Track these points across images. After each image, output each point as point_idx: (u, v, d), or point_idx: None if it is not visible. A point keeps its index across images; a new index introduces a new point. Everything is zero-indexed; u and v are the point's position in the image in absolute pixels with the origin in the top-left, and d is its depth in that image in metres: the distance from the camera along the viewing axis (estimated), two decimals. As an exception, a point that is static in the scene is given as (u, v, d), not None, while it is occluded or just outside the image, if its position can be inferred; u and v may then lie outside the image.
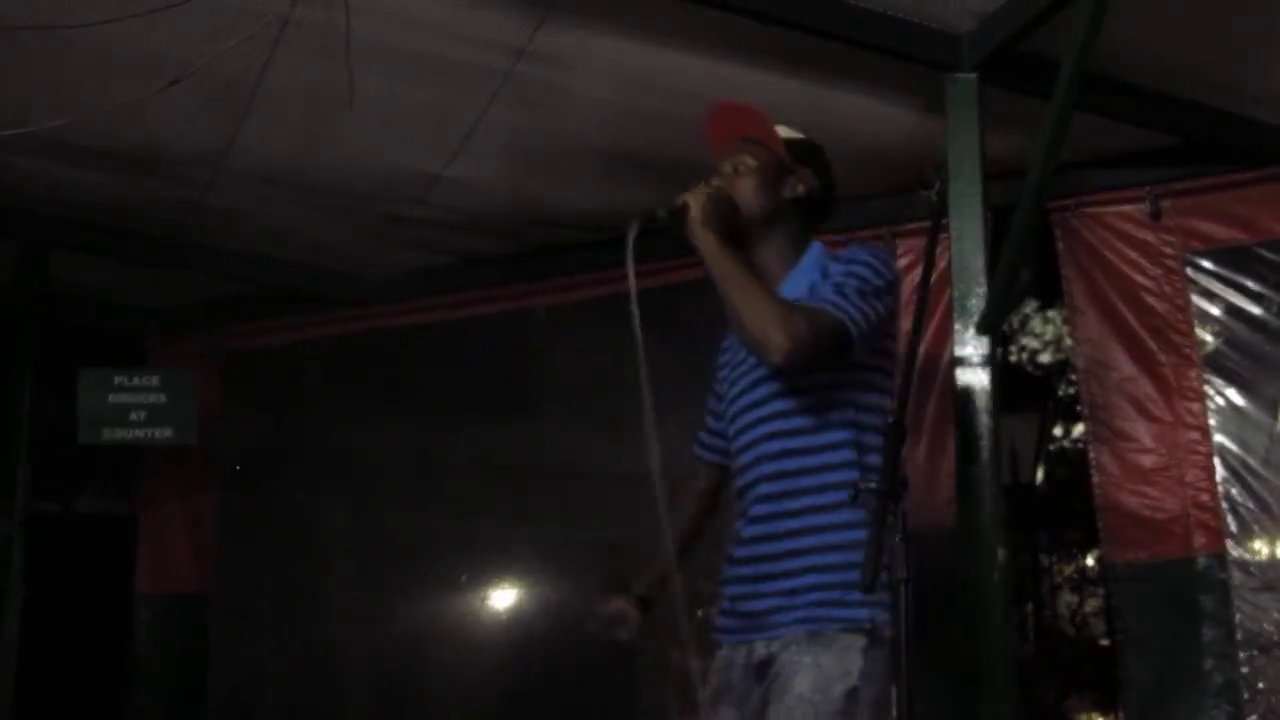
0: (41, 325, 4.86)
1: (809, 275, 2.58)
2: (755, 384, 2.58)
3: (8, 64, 3.52)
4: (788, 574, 2.47)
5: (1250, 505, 3.81)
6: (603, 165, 4.16)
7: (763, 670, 2.49)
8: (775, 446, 2.52)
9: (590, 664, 4.84)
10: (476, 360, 5.05)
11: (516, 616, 5.14)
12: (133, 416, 4.91)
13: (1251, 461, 3.83)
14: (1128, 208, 4.06)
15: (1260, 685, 3.70)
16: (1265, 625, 3.73)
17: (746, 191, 2.61)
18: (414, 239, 4.80)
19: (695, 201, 2.52)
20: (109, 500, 6.11)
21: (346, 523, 5.35)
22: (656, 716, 5.09)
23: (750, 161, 2.63)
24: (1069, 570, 12.68)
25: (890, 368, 2.61)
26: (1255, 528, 3.80)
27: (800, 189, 2.66)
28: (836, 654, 2.38)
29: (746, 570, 2.54)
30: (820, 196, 2.71)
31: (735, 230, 2.56)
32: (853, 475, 2.43)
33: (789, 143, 2.69)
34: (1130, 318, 4.01)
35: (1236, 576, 3.78)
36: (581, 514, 4.87)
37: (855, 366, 2.51)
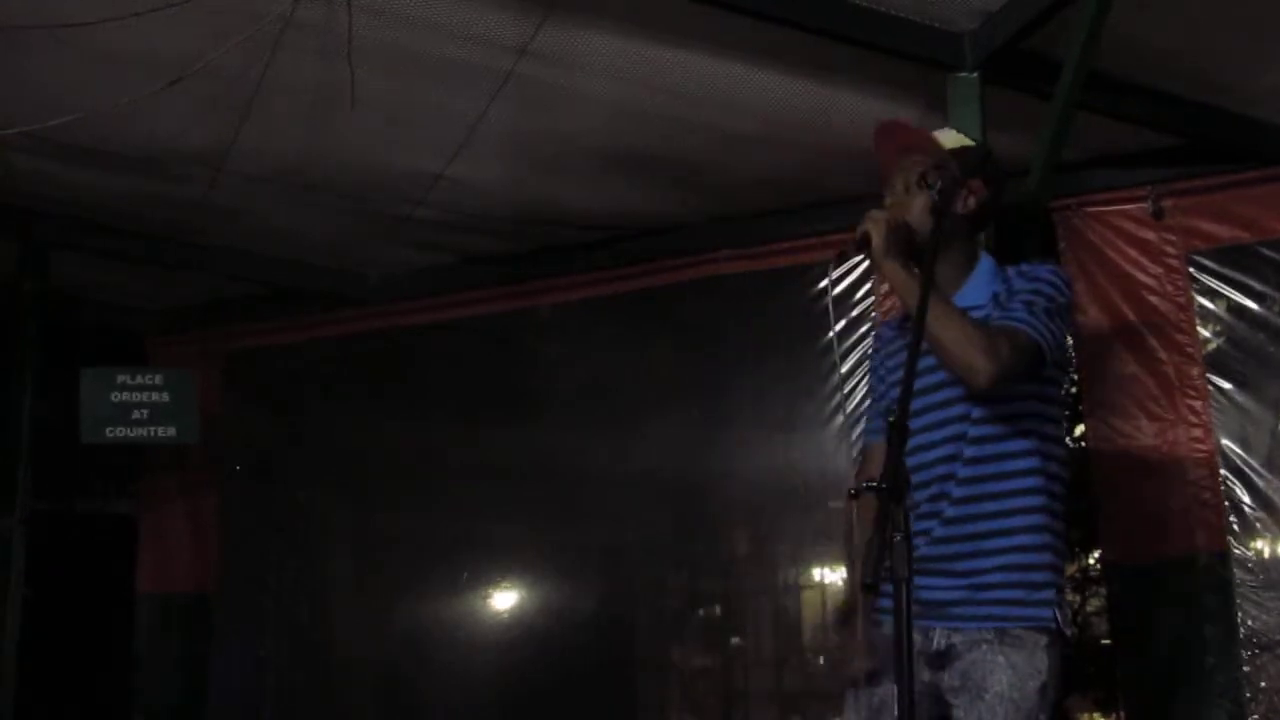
0: (42, 325, 4.86)
1: (988, 285, 2.63)
2: (942, 385, 2.62)
3: (9, 64, 3.52)
4: (974, 571, 2.54)
5: (1252, 504, 3.81)
6: (604, 164, 4.16)
7: (939, 659, 2.54)
8: (969, 452, 2.57)
9: (590, 663, 4.84)
10: (478, 359, 5.06)
11: (517, 616, 5.14)
12: (135, 415, 4.91)
13: (1254, 460, 3.83)
14: (1130, 207, 4.06)
15: (1262, 684, 3.70)
16: (1268, 624, 3.73)
17: (919, 211, 2.61)
18: (415, 238, 4.80)
19: (876, 232, 2.54)
20: (110, 499, 6.10)
21: (347, 522, 5.36)
22: (657, 716, 5.08)
23: (929, 189, 2.63)
24: (1071, 569, 12.66)
25: (1065, 381, 2.75)
26: (1257, 526, 3.80)
27: (971, 203, 2.68)
28: (1027, 653, 2.48)
29: (931, 566, 2.57)
30: (989, 204, 2.73)
31: (915, 250, 2.58)
32: (1038, 482, 2.55)
33: (957, 153, 2.69)
34: (1132, 316, 4.01)
35: (1238, 575, 3.78)
36: (582, 513, 4.87)
37: (1039, 379, 2.59)
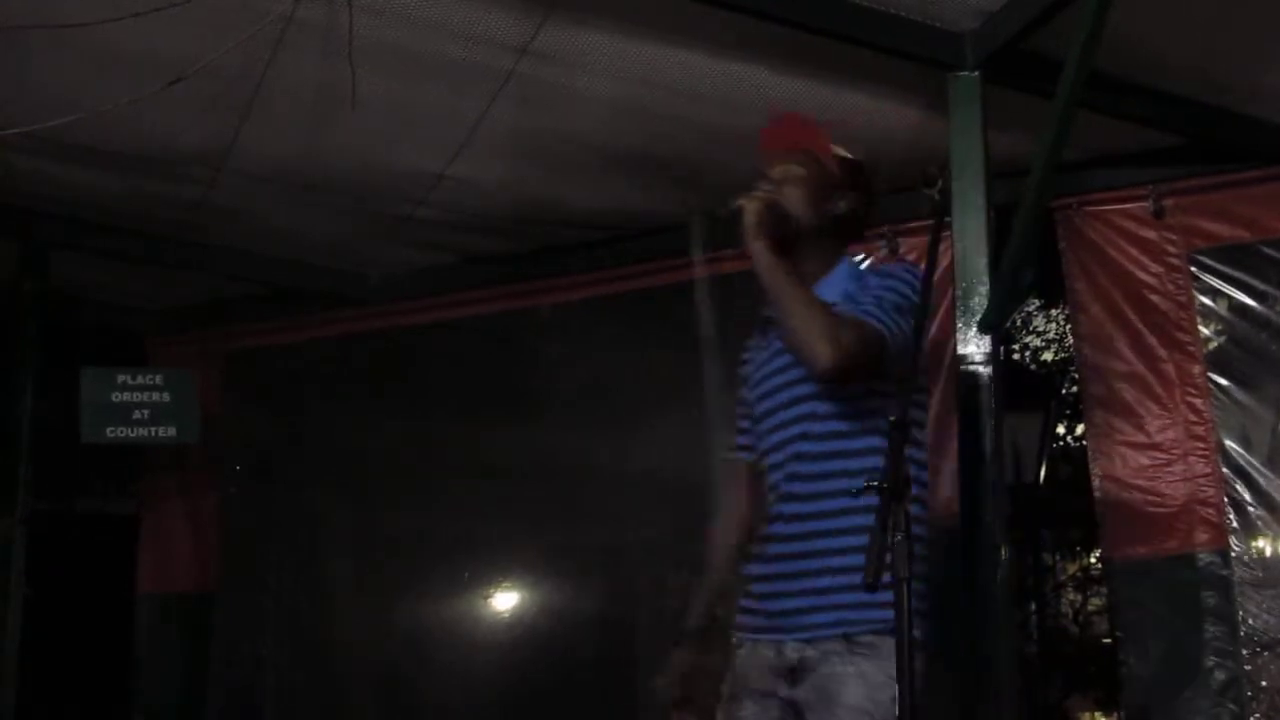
0: (43, 325, 4.86)
1: (841, 284, 2.65)
2: (790, 384, 2.62)
3: (9, 64, 3.52)
4: (817, 573, 2.51)
5: (1253, 502, 3.81)
6: (605, 164, 4.16)
7: (795, 674, 2.51)
8: (811, 449, 2.56)
9: (591, 663, 4.84)
10: (478, 359, 5.05)
11: (518, 616, 5.14)
12: (136, 415, 4.91)
13: (1255, 459, 3.83)
14: (1131, 206, 4.06)
15: (1263, 683, 3.70)
16: (1269, 623, 3.73)
17: (795, 200, 2.68)
18: (416, 238, 4.80)
19: (750, 207, 2.59)
20: (110, 499, 6.11)
21: (348, 522, 5.35)
22: (658, 717, 5.08)
23: (801, 171, 2.72)
24: (1072, 569, 12.68)
25: (923, 383, 2.76)
26: (1258, 524, 3.80)
27: (843, 206, 2.75)
28: (878, 661, 2.43)
29: (774, 568, 2.57)
30: (860, 216, 2.81)
31: (781, 237, 2.63)
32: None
33: (838, 161, 2.79)
34: (1133, 315, 4.01)
35: (1239, 573, 3.78)
36: (583, 514, 4.87)
37: (888, 378, 2.57)
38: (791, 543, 2.55)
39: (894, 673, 2.34)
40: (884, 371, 2.54)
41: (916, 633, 2.38)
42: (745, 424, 2.84)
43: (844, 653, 2.46)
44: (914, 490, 2.44)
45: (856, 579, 2.34)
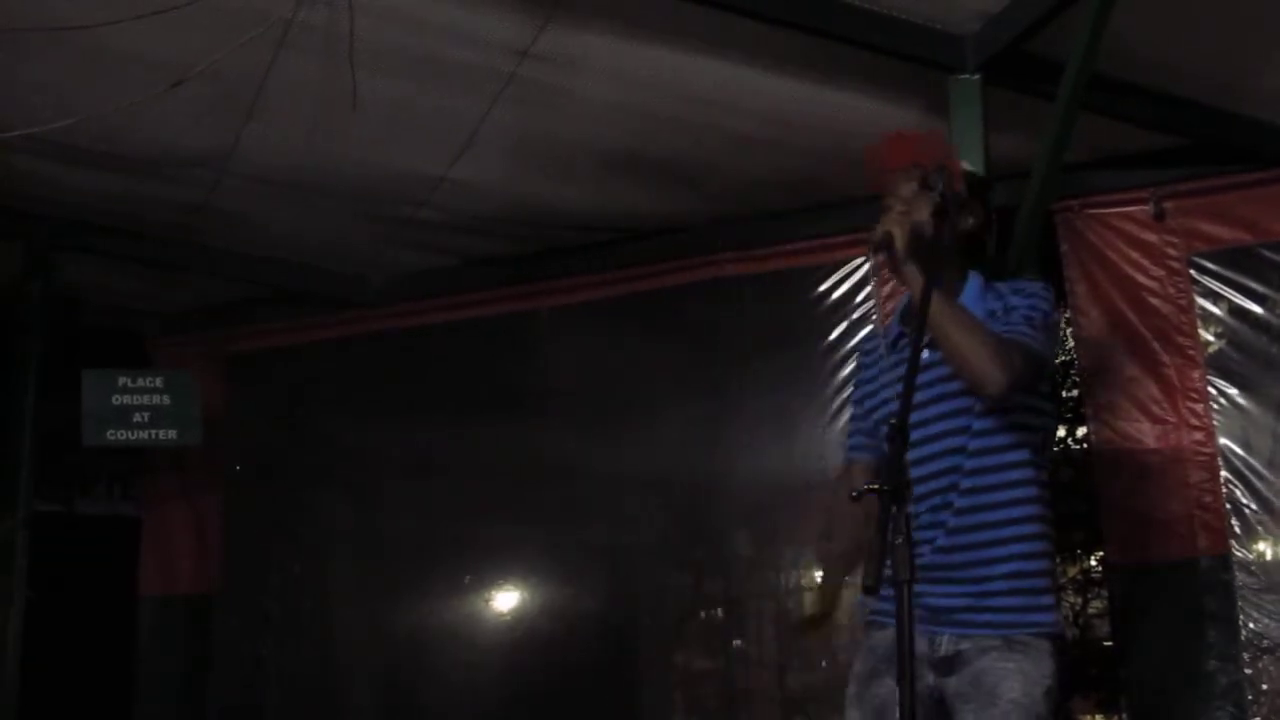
0: (45, 327, 4.86)
1: (981, 303, 2.70)
2: (946, 397, 2.69)
3: (12, 65, 3.53)
4: (979, 579, 2.62)
5: (1254, 507, 3.81)
6: (605, 166, 4.16)
7: (947, 664, 2.60)
8: (970, 464, 2.65)
9: (592, 665, 4.85)
10: (479, 362, 5.05)
11: (519, 617, 5.14)
12: (137, 418, 4.91)
13: (1255, 463, 3.83)
14: (1131, 209, 4.06)
15: (1264, 687, 3.70)
16: (1269, 626, 3.73)
17: (928, 220, 2.69)
18: (417, 240, 4.80)
19: (899, 232, 2.59)
20: (112, 501, 6.11)
21: (349, 523, 5.35)
22: (657, 717, 5.08)
23: (929, 191, 2.73)
24: (1073, 571, 12.67)
25: (1050, 392, 2.83)
26: (1259, 529, 3.80)
27: (971, 221, 2.79)
28: (1035, 659, 2.56)
29: (936, 574, 2.64)
30: (982, 234, 2.85)
31: (926, 255, 2.65)
32: (1034, 491, 2.66)
33: (964, 176, 2.82)
34: (1134, 319, 4.01)
35: (1240, 578, 3.78)
36: (584, 515, 4.87)
37: (1033, 392, 2.69)
38: (953, 553, 2.64)
39: (1048, 671, 2.57)
40: (1034, 388, 2.66)
41: (1060, 629, 2.64)
42: (862, 427, 2.91)
43: (1003, 649, 2.57)
44: (1040, 491, 2.69)
45: (1015, 584, 2.61)
